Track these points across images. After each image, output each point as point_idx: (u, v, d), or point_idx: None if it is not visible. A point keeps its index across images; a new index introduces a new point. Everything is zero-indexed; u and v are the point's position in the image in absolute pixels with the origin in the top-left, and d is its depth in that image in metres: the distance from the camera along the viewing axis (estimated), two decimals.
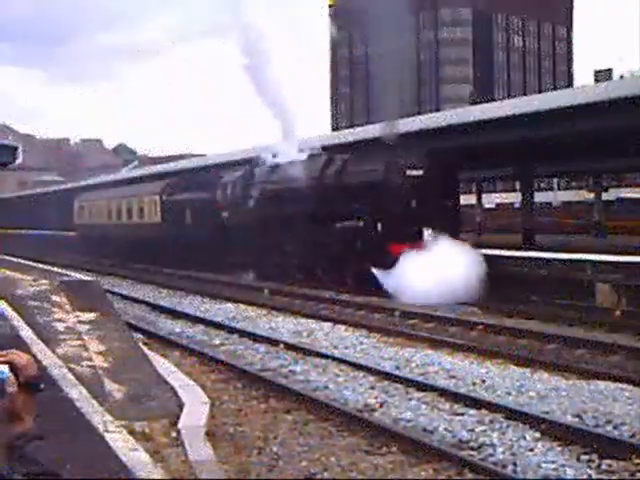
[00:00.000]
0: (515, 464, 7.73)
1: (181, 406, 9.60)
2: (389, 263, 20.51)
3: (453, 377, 11.67)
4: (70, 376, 9.13)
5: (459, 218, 24.66)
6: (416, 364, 12.70)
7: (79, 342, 12.05)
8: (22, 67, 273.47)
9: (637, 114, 21.12)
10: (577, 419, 9.20)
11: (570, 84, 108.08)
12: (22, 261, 27.39)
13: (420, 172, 22.63)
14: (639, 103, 21.04)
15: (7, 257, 29.35)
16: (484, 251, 21.57)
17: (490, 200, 58.24)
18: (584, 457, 7.87)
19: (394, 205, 22.32)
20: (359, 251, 23.23)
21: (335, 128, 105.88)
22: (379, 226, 22.70)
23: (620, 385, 10.74)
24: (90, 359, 11.11)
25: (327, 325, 17.02)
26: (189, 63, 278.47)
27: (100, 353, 11.59)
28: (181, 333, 16.85)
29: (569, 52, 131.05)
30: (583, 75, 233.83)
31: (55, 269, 23.07)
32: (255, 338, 15.51)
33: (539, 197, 50.43)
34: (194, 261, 31.99)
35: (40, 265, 25.47)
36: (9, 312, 13.73)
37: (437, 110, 77.30)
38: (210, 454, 7.93)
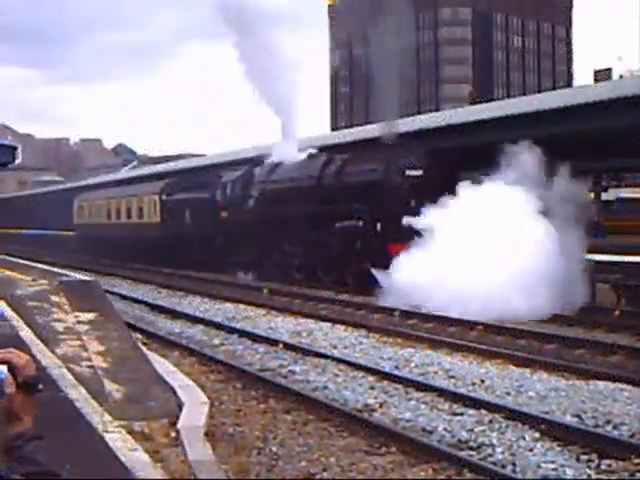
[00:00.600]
0: (514, 464, 7.73)
1: (180, 406, 9.60)
2: (389, 263, 20.48)
3: (452, 377, 11.67)
4: (69, 376, 9.14)
5: None
6: (415, 364, 12.69)
7: (78, 342, 12.04)
8: (22, 67, 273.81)
9: (637, 114, 21.14)
10: (576, 419, 9.20)
11: (570, 84, 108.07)
12: (22, 261, 27.38)
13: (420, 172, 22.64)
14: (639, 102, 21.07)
15: (7, 257, 29.33)
16: None
17: None
18: (584, 457, 7.87)
19: (394, 205, 22.31)
20: (359, 251, 23.23)
21: (335, 128, 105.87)
22: (379, 226, 22.70)
23: (620, 385, 10.74)
24: (89, 359, 11.10)
25: (326, 325, 17.02)
26: (190, 63, 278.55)
27: (99, 353, 11.58)
28: (180, 333, 16.85)
29: (569, 52, 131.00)
30: (583, 75, 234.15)
31: (55, 269, 23.05)
32: (254, 338, 15.51)
33: None
34: (194, 261, 32.00)
35: (40, 265, 25.46)
36: (8, 312, 13.72)
37: (437, 110, 77.31)
38: (209, 454, 7.93)
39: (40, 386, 2.19)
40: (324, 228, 24.74)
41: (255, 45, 29.39)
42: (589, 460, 7.78)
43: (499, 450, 8.13)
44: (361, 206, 23.24)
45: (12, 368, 2.13)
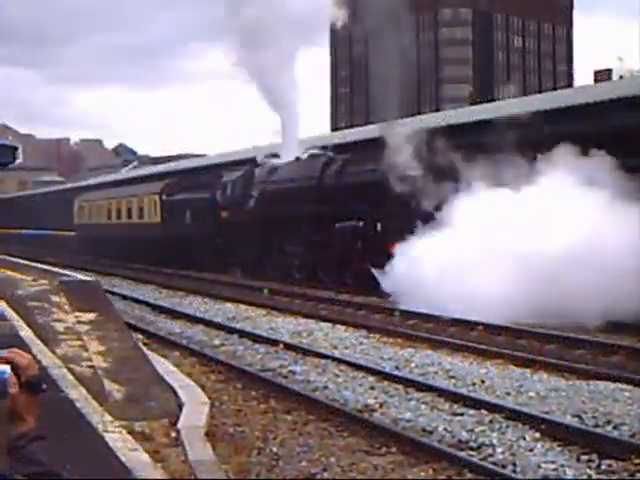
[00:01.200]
0: (515, 464, 7.73)
1: (181, 406, 9.61)
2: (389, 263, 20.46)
3: (453, 377, 11.67)
4: (70, 376, 9.15)
5: None
6: (416, 364, 12.69)
7: (79, 342, 12.05)
8: (22, 67, 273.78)
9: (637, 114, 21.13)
10: (577, 419, 9.20)
11: (570, 84, 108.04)
12: (22, 261, 27.38)
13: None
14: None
15: (7, 257, 29.33)
16: None
17: None
18: (584, 457, 7.87)
19: (394, 205, 22.27)
20: (359, 251, 23.23)
21: (335, 128, 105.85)
22: (379, 226, 22.70)
23: (620, 385, 10.74)
24: (90, 359, 11.11)
25: (327, 325, 17.01)
26: (190, 63, 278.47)
27: (100, 353, 11.59)
28: (181, 333, 16.85)
29: (569, 52, 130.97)
30: (583, 75, 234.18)
31: (55, 269, 23.07)
32: (255, 338, 15.51)
33: None
34: (194, 261, 32.00)
35: (40, 265, 25.47)
36: (9, 312, 13.73)
37: (437, 110, 77.28)
38: (210, 454, 7.94)
39: (43, 386, 2.19)
40: (324, 228, 24.74)
41: (257, 43, 29.39)
42: (589, 460, 7.78)
43: (499, 450, 8.13)
44: (361, 206, 23.25)
45: (15, 368, 2.13)
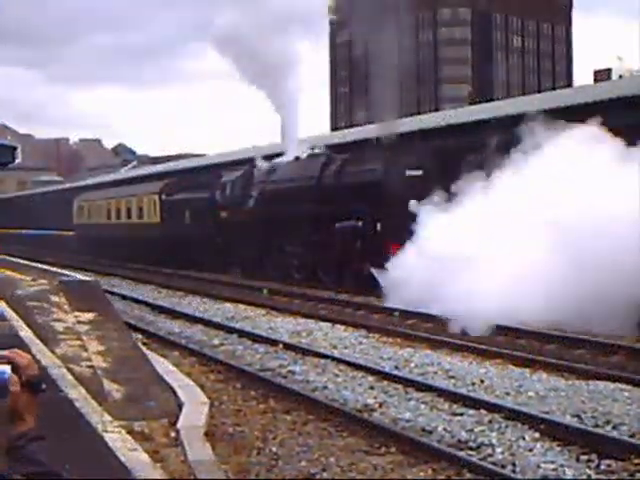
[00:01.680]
0: (514, 464, 7.73)
1: (180, 406, 9.61)
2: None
3: (452, 377, 11.67)
4: (69, 376, 9.14)
5: None
6: (415, 364, 12.69)
7: (78, 342, 12.05)
8: (22, 67, 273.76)
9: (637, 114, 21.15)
10: (576, 419, 9.20)
11: (569, 84, 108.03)
12: (22, 261, 27.37)
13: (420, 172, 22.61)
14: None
15: (7, 257, 29.32)
16: None
17: None
18: (583, 457, 7.87)
19: (394, 205, 22.27)
20: (359, 251, 23.21)
21: (334, 128, 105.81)
22: (379, 226, 22.69)
23: (619, 385, 10.74)
24: (89, 359, 11.11)
25: (326, 325, 17.01)
26: (190, 64, 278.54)
27: (99, 353, 11.59)
28: (180, 333, 16.85)
29: (568, 52, 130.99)
30: (582, 75, 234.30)
31: (55, 269, 23.06)
32: (254, 338, 15.51)
33: None
34: (193, 261, 32.00)
35: (40, 265, 25.46)
36: (8, 312, 13.73)
37: (436, 110, 77.31)
38: (209, 454, 7.94)
39: (43, 386, 2.20)
40: (324, 228, 24.73)
41: (256, 41, 29.35)
42: (589, 460, 7.79)
43: (499, 450, 8.13)
44: (361, 206, 23.24)
45: (15, 368, 2.14)
